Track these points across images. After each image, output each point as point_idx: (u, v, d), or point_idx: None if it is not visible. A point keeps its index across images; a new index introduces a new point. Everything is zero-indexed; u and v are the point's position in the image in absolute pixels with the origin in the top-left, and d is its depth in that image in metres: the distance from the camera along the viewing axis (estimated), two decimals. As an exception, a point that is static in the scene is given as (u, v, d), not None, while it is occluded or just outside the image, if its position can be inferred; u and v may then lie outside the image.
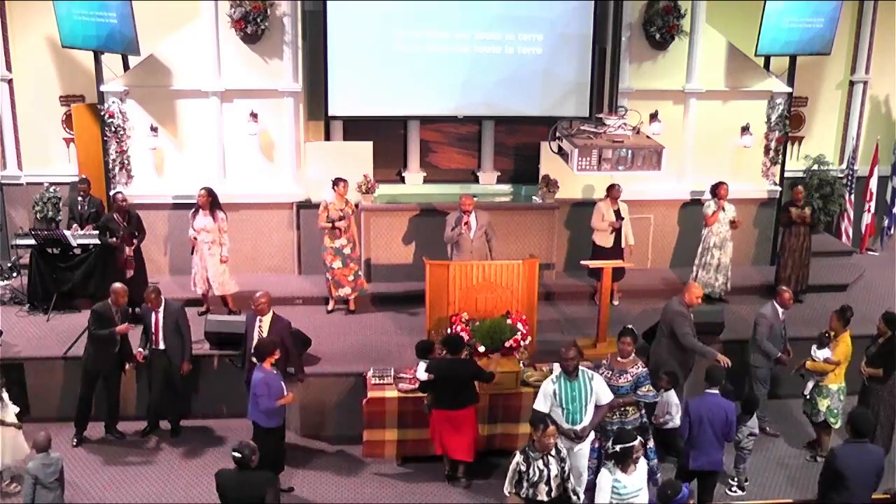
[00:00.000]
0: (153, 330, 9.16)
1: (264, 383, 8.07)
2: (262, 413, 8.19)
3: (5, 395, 8.28)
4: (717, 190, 11.33)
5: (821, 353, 9.01)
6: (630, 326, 8.51)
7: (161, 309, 9.16)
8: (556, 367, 9.21)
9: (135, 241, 10.60)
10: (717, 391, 7.88)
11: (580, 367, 7.77)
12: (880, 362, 8.84)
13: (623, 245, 11.26)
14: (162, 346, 9.19)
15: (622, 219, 11.18)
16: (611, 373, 8.10)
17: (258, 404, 8.15)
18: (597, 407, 7.74)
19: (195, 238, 10.49)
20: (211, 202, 10.41)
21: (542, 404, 7.67)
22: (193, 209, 10.50)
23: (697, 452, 7.77)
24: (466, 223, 10.59)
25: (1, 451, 8.20)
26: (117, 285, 9.17)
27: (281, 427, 8.48)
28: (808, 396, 9.17)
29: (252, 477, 6.75)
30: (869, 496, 6.99)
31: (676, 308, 9.06)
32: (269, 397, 8.08)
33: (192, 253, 10.58)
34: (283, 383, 8.25)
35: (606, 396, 7.77)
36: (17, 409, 8.45)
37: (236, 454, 6.72)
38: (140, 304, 9.45)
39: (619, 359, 8.19)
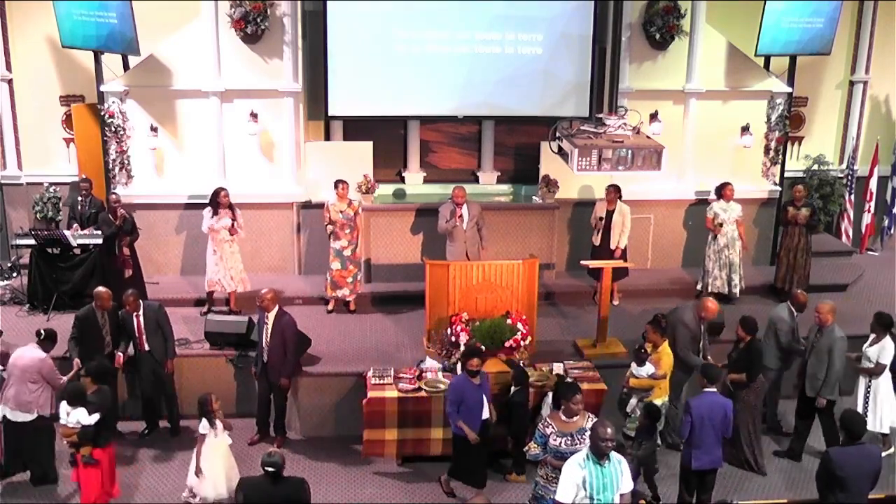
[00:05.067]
0: (136, 333, 9.14)
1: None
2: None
3: (219, 423, 7.91)
4: (721, 191, 11.39)
5: (644, 370, 8.53)
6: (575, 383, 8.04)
7: (140, 312, 9.13)
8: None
9: (127, 238, 10.61)
10: (714, 389, 7.86)
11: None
12: (743, 367, 8.74)
13: (612, 245, 11.18)
14: (146, 347, 9.18)
15: (610, 219, 11.12)
16: (567, 439, 6.91)
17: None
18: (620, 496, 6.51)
19: (215, 232, 10.45)
20: (229, 202, 10.52)
21: (568, 494, 6.28)
22: (212, 208, 10.47)
23: (699, 452, 7.74)
24: (460, 216, 10.75)
25: (215, 482, 7.91)
26: (101, 289, 9.09)
27: None
28: (631, 415, 8.58)
29: (289, 484, 6.69)
30: (866, 497, 6.96)
31: (686, 319, 9.00)
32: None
33: (214, 254, 10.56)
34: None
35: (628, 484, 6.49)
36: (229, 441, 8.06)
37: (272, 468, 6.55)
38: (145, 300, 9.46)
39: (564, 419, 7.02)
